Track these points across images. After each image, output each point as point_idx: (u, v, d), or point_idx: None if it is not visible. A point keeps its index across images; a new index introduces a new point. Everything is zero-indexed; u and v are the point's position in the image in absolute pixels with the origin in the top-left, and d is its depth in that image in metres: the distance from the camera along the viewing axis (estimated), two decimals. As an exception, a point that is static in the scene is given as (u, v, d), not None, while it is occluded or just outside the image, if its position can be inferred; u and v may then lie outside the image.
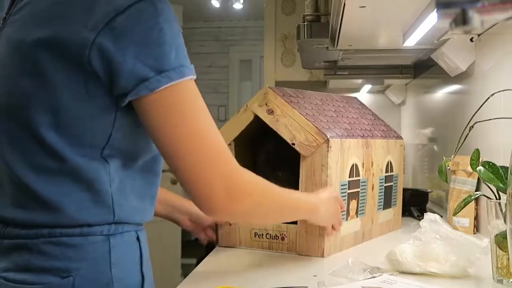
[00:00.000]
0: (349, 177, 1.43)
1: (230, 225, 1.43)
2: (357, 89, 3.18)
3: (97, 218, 0.93)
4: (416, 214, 1.95)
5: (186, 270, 3.43)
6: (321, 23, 1.87)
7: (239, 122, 1.43)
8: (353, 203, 1.46)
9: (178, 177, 0.94)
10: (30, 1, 0.95)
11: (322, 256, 1.33)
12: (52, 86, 0.89)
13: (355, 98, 1.80)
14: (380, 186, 1.61)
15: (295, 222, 1.36)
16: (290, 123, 1.36)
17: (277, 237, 1.39)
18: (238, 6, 5.20)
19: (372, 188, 1.56)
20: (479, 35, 1.64)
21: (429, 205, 2.11)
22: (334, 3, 1.49)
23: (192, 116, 0.92)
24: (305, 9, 1.94)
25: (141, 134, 0.95)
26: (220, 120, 5.98)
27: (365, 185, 1.51)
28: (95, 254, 0.93)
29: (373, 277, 1.12)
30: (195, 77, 0.94)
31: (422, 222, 1.21)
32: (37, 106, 0.90)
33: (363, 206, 1.52)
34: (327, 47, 1.99)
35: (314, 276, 1.16)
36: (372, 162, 1.54)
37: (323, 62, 2.57)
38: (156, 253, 3.93)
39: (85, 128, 0.91)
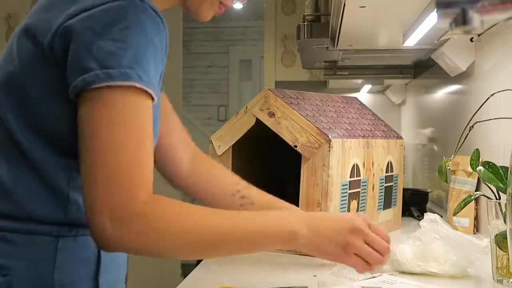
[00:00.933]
0: (350, 177, 1.43)
1: None
2: (357, 89, 3.18)
3: (46, 214, 0.88)
4: (416, 214, 1.95)
5: (186, 270, 3.43)
6: (321, 23, 1.87)
7: (240, 126, 1.43)
8: (354, 203, 1.46)
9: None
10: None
11: None
12: (23, 74, 0.87)
13: (355, 98, 1.80)
14: (381, 186, 1.60)
15: None
16: (292, 125, 1.36)
17: None
18: (238, 6, 5.20)
19: (373, 188, 1.55)
20: (479, 35, 1.64)
21: (429, 205, 2.11)
22: (334, 3, 1.49)
23: (114, 128, 0.80)
24: (305, 9, 1.94)
25: None
26: (220, 120, 5.98)
27: (365, 185, 1.51)
28: (38, 254, 0.87)
29: (373, 277, 1.12)
30: (149, 90, 0.82)
31: (422, 222, 1.21)
32: (8, 89, 0.89)
33: (364, 206, 1.51)
34: (327, 47, 2.00)
35: (314, 276, 1.16)
36: (372, 162, 1.54)
37: (323, 62, 2.57)
38: (156, 253, 3.92)
39: (53, 124, 0.87)
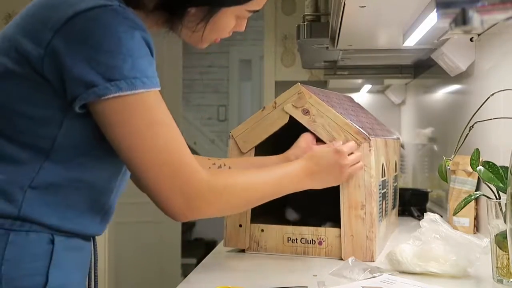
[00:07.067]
0: (382, 177, 1.38)
1: (263, 231, 1.38)
2: (357, 89, 3.18)
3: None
4: (416, 214, 1.95)
5: (186, 270, 3.43)
6: (321, 23, 1.88)
7: (270, 122, 1.35)
8: (383, 204, 1.42)
9: (140, 181, 0.96)
10: (31, 5, 0.97)
11: (372, 260, 1.28)
12: (3, 78, 0.91)
13: (349, 96, 1.78)
14: (393, 186, 1.59)
15: (336, 226, 1.31)
16: (328, 123, 1.30)
17: (313, 242, 1.33)
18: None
19: (389, 188, 1.53)
20: (479, 35, 1.64)
21: (429, 205, 2.11)
22: (334, 3, 1.49)
23: (146, 131, 0.91)
24: (305, 9, 1.94)
25: (94, 148, 0.95)
26: (220, 120, 5.98)
27: (387, 185, 1.48)
28: None
29: (373, 277, 1.13)
30: (154, 89, 0.91)
31: (422, 222, 1.21)
32: None
33: (387, 206, 1.48)
34: (327, 47, 2.00)
35: (314, 276, 1.16)
36: (389, 162, 1.51)
37: (323, 62, 2.57)
38: (156, 253, 3.94)
39: (27, 125, 0.91)
